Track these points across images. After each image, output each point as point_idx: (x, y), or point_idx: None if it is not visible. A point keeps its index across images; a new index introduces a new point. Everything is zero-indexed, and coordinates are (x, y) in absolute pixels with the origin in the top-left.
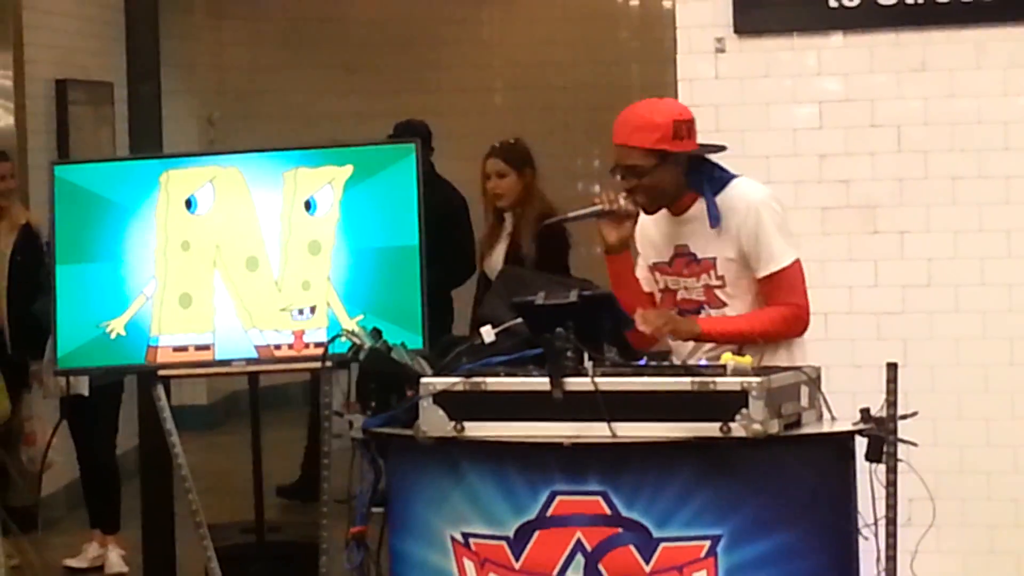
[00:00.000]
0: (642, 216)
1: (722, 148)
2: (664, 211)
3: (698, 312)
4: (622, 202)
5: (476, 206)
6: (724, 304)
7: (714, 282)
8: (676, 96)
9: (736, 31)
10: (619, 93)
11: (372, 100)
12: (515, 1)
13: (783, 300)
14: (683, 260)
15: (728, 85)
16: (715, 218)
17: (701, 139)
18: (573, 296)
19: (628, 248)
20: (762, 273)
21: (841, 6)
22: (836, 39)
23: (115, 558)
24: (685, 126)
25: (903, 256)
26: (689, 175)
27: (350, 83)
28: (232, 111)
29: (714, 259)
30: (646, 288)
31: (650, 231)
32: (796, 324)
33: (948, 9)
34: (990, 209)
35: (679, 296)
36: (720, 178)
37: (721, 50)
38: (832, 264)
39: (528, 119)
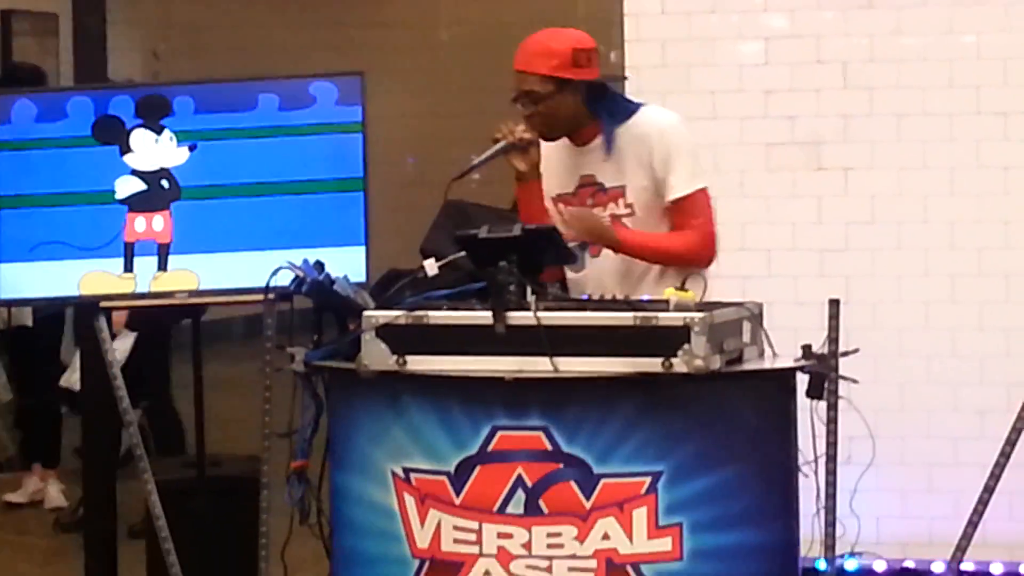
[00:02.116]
0: (545, 146)
1: (622, 78)
2: (567, 142)
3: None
4: (520, 131)
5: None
6: None
7: (622, 211)
8: (622, 31)
9: None
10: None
11: (316, 33)
12: None
13: (694, 224)
14: (588, 190)
15: (674, 20)
16: (609, 146)
17: (648, 73)
18: (516, 230)
19: (539, 175)
20: (673, 196)
21: None
22: None
23: (55, 492)
24: (585, 54)
25: (847, 193)
26: (592, 105)
27: (295, 16)
28: (177, 44)
29: (623, 187)
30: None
31: (553, 161)
32: (705, 250)
33: None
34: (934, 147)
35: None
36: (626, 107)
37: None
38: (776, 200)
39: (472, 54)
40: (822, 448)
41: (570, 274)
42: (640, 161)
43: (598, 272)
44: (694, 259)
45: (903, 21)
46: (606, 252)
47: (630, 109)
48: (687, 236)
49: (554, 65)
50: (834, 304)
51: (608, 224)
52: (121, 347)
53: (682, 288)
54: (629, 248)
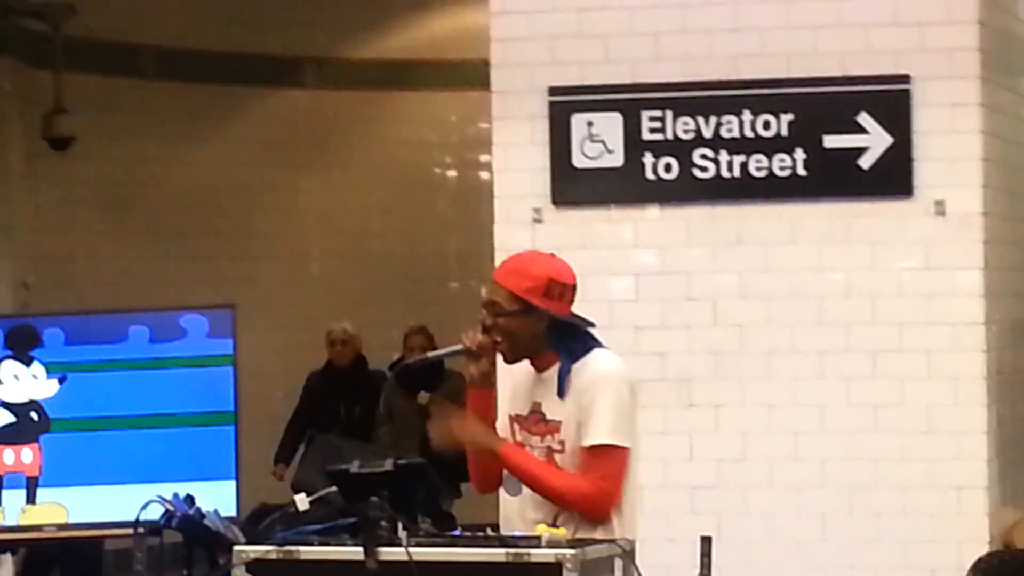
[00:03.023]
0: (510, 367)
1: (590, 324)
2: (529, 365)
3: None
4: (479, 337)
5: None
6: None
7: (555, 445)
8: (493, 265)
9: (553, 202)
10: (436, 262)
11: (186, 266)
12: (333, 169)
13: (591, 477)
14: (535, 416)
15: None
16: (562, 389)
17: None
18: (388, 465)
19: (491, 384)
20: (585, 442)
21: (658, 179)
22: (653, 212)
23: None
24: (559, 288)
25: (718, 429)
26: (553, 337)
27: (165, 249)
28: (47, 275)
29: (559, 423)
30: (501, 434)
31: (514, 381)
32: (595, 505)
33: (763, 184)
34: (804, 384)
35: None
36: (582, 347)
37: (539, 220)
38: (647, 437)
39: (344, 288)
40: None
41: (505, 496)
42: (576, 403)
43: (534, 500)
44: (575, 506)
45: (771, 258)
46: None
47: (586, 348)
48: (575, 480)
49: (526, 287)
50: (706, 541)
51: (492, 436)
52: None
53: (554, 524)
54: (507, 465)
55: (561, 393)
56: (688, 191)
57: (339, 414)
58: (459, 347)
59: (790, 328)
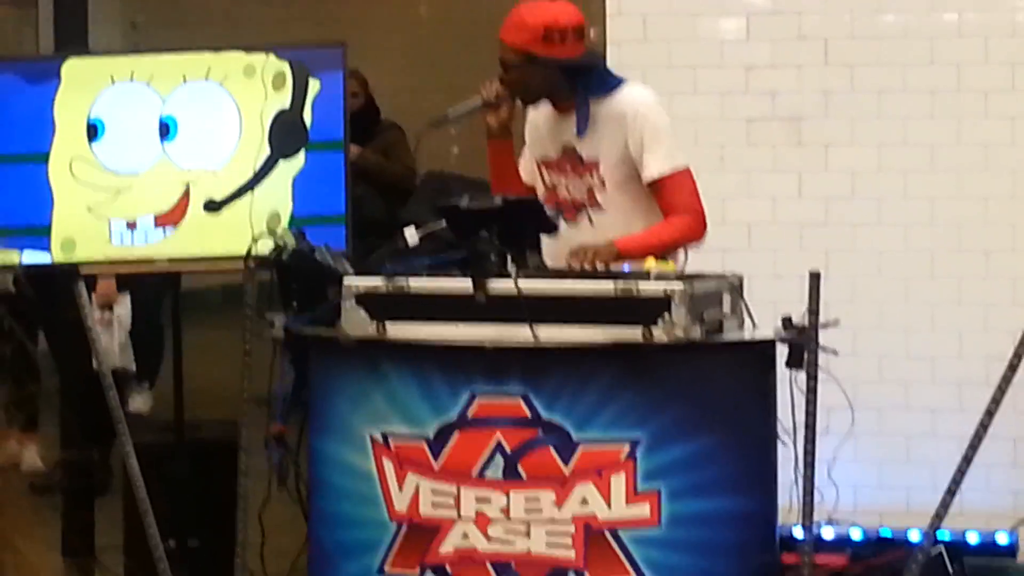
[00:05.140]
0: (533, 112)
1: (596, 62)
2: (552, 108)
3: (580, 211)
4: (495, 89)
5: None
6: (603, 208)
7: (596, 184)
8: (604, 5)
9: None
10: None
11: (296, 6)
12: None
13: (681, 207)
14: (568, 159)
15: None
16: (582, 127)
17: (629, 48)
18: (498, 201)
19: (509, 135)
20: (651, 177)
21: None
22: None
23: (31, 456)
24: (559, 33)
25: (827, 168)
26: (571, 80)
27: None
28: (156, 15)
29: (597, 162)
30: (526, 180)
31: (540, 125)
32: (698, 229)
33: None
34: (915, 123)
35: (560, 195)
36: (606, 84)
37: None
38: (756, 175)
39: (452, 30)
40: (801, 418)
41: (544, 238)
42: (614, 140)
43: (575, 239)
44: (690, 241)
45: None
46: (582, 219)
47: (610, 85)
48: (680, 222)
49: (524, 39)
50: (814, 277)
51: (606, 244)
52: (123, 311)
53: (662, 259)
54: (633, 255)
55: (580, 130)
56: None
57: None
58: (477, 101)
59: (901, 68)
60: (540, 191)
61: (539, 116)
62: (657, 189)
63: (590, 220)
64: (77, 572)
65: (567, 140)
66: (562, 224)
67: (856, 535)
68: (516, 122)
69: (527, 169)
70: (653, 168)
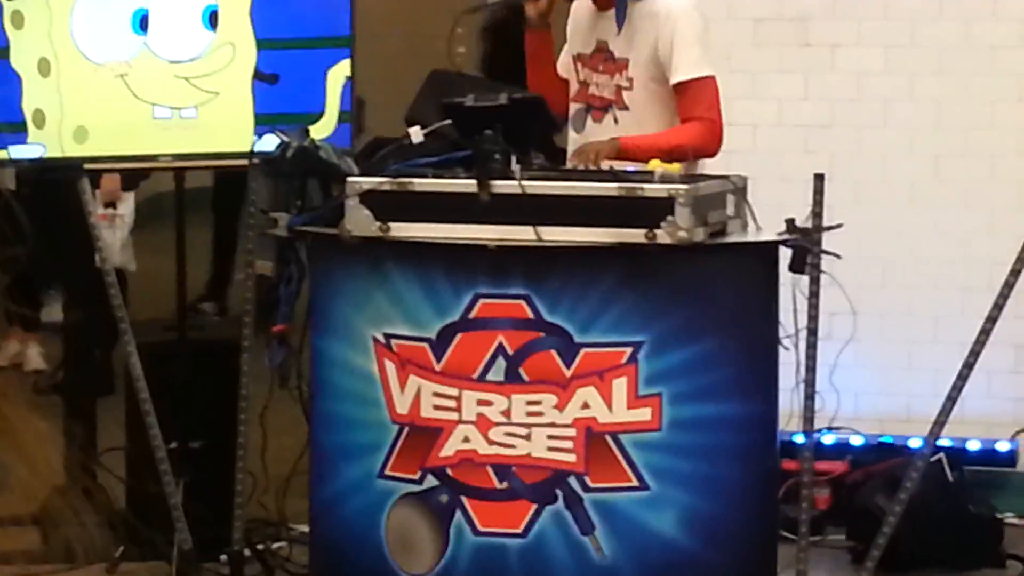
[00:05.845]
0: (574, 5)
1: None
2: (591, 4)
3: (607, 110)
4: None
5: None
6: (629, 109)
7: (624, 83)
8: None
9: None
10: None
11: None
12: None
13: (698, 114)
14: (601, 56)
15: None
16: (620, 19)
17: None
18: (503, 99)
19: (548, 27)
20: (676, 79)
21: None
22: None
23: (34, 355)
24: None
25: (834, 69)
26: None
27: None
28: None
29: (627, 60)
30: (562, 73)
31: (577, 21)
32: (711, 140)
33: None
34: (922, 25)
35: (590, 91)
36: None
37: None
38: (762, 76)
39: None
40: (803, 322)
41: (572, 135)
42: (646, 39)
43: (598, 137)
44: (701, 152)
45: None
46: (607, 118)
47: None
48: (692, 129)
49: None
50: (819, 179)
51: (609, 140)
52: (127, 210)
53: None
54: (636, 155)
55: (619, 25)
56: None
57: None
58: None
59: None
60: (573, 86)
61: (580, 9)
62: (680, 92)
63: (615, 120)
64: (79, 472)
65: (602, 36)
66: (589, 122)
67: (856, 441)
68: (557, 16)
69: (563, 62)
70: (680, 70)
